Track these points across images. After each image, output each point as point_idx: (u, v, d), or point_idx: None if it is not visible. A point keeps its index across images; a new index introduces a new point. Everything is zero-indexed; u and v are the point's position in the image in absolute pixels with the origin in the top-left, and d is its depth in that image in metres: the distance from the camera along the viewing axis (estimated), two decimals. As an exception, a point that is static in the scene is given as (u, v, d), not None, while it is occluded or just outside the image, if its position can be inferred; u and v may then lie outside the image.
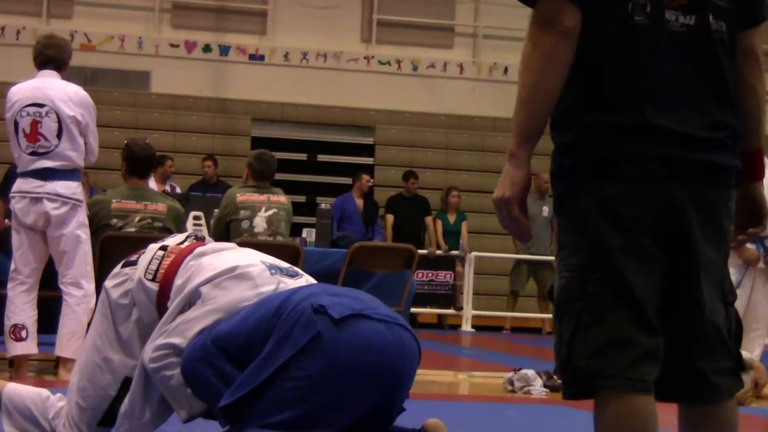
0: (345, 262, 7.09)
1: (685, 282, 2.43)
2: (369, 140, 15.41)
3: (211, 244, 3.79)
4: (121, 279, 3.74)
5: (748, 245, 7.27)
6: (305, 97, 14.96)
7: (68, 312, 6.26)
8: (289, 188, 9.11)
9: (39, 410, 3.83)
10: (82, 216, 6.27)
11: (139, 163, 6.82)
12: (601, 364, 2.33)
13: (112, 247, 6.43)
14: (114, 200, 6.76)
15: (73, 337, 6.18)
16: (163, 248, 3.72)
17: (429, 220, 13.46)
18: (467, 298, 13.38)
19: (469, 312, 13.35)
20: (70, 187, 6.23)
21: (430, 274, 13.24)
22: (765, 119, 2.60)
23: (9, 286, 6.29)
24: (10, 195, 6.31)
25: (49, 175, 6.19)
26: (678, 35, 2.41)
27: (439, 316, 13.71)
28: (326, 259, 7.12)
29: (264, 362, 3.18)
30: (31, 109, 6.27)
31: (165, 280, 3.63)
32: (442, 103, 15.30)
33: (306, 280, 3.65)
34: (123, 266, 3.79)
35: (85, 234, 6.27)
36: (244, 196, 7.42)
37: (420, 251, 8.30)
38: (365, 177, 13.18)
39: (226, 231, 7.29)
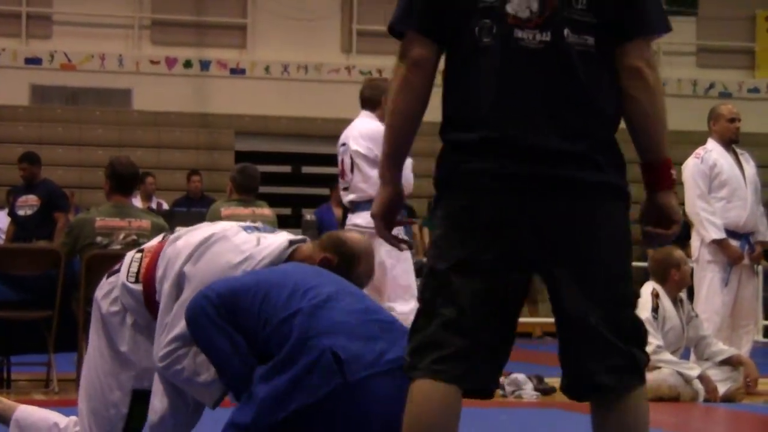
0: (332, 272, 7.08)
1: (554, 288, 2.63)
2: (353, 150, 15.40)
3: (184, 229, 3.79)
4: (108, 288, 3.75)
5: (731, 242, 7.28)
6: (288, 109, 14.96)
7: None
8: (274, 201, 9.10)
9: None
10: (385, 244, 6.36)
11: (123, 180, 6.80)
12: (414, 361, 2.62)
13: (97, 266, 6.39)
14: (98, 218, 6.74)
15: None
16: (140, 251, 3.75)
17: (415, 228, 13.44)
18: (456, 304, 13.36)
19: (458, 319, 13.32)
20: (366, 218, 6.35)
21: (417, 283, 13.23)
22: (660, 130, 2.67)
23: None
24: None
25: (352, 208, 6.62)
26: (536, 52, 2.56)
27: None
28: (313, 269, 7.11)
29: (276, 402, 3.15)
30: (341, 149, 6.73)
31: (147, 278, 3.64)
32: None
33: (285, 235, 3.63)
34: (108, 277, 3.80)
35: (392, 259, 6.49)
36: (228, 210, 7.41)
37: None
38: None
39: (211, 245, 7.29)
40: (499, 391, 6.91)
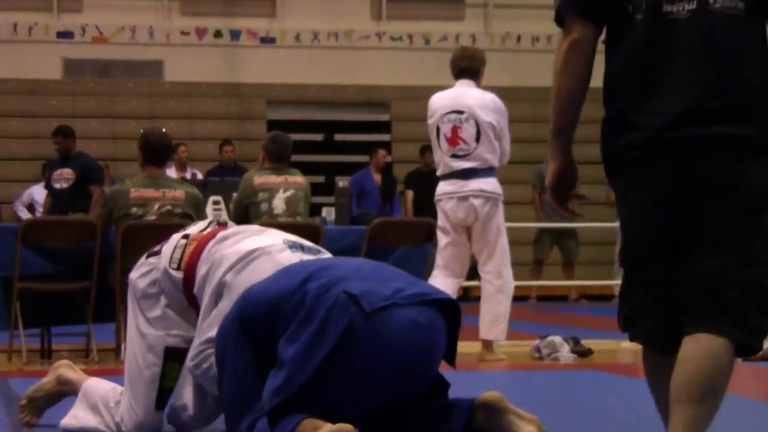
0: (365, 238, 7.09)
1: (685, 245, 2.75)
2: (385, 117, 15.39)
3: (233, 228, 3.82)
4: (147, 269, 3.81)
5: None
6: (318, 77, 14.95)
7: (489, 299, 6.79)
8: (307, 169, 9.11)
9: (102, 399, 3.93)
10: (501, 210, 6.85)
11: (155, 151, 6.83)
12: (629, 328, 2.86)
13: (133, 237, 6.45)
14: (132, 189, 6.78)
15: (497, 321, 6.74)
16: (186, 237, 3.78)
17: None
18: (491, 269, 13.34)
19: (493, 283, 13.31)
20: (491, 184, 6.81)
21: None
22: None
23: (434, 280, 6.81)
24: (436, 199, 6.87)
25: (471, 175, 6.74)
26: (683, 22, 2.70)
27: (464, 288, 13.70)
28: (347, 236, 7.11)
29: (305, 356, 3.16)
30: (452, 116, 6.79)
31: (189, 267, 3.69)
32: (456, 75, 15.26)
33: (328, 256, 3.68)
34: (147, 257, 3.85)
35: (503, 227, 6.85)
36: (261, 179, 7.43)
37: (441, 224, 8.29)
38: (381, 152, 13.18)
39: (245, 214, 7.31)
40: (535, 354, 6.93)
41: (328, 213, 8.04)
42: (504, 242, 6.88)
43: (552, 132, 2.86)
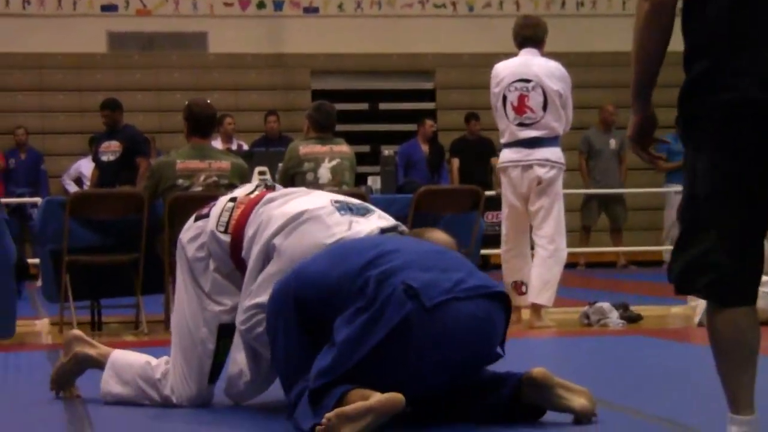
0: (411, 207, 7.07)
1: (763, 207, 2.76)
2: (429, 85, 15.32)
3: (280, 191, 3.82)
4: (195, 233, 3.81)
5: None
6: (362, 46, 14.90)
7: (540, 263, 6.85)
8: (352, 138, 9.09)
9: (142, 377, 3.89)
10: (561, 178, 6.97)
11: (200, 122, 6.84)
12: (687, 282, 2.79)
13: (180, 208, 6.47)
14: (178, 161, 6.80)
15: (546, 286, 6.79)
16: (233, 200, 3.79)
17: (494, 160, 13.33)
18: (538, 236, 13.27)
19: (541, 250, 13.23)
20: (556, 153, 6.91)
21: (498, 215, 13.12)
22: None
23: (503, 249, 6.97)
24: (499, 166, 6.97)
25: (537, 144, 6.80)
26: None
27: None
28: (393, 205, 7.08)
29: (356, 342, 3.17)
30: (519, 84, 6.84)
31: (236, 230, 3.69)
32: (500, 42, 15.05)
33: (378, 215, 3.67)
34: (195, 220, 3.85)
35: (561, 195, 6.97)
36: (306, 148, 7.42)
37: (487, 192, 8.25)
38: (428, 122, 13.14)
39: (291, 184, 7.31)
40: (584, 320, 6.90)
41: (374, 182, 8.02)
42: (560, 209, 6.92)
43: (634, 90, 2.88)
